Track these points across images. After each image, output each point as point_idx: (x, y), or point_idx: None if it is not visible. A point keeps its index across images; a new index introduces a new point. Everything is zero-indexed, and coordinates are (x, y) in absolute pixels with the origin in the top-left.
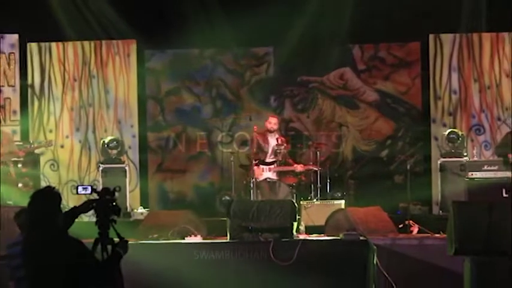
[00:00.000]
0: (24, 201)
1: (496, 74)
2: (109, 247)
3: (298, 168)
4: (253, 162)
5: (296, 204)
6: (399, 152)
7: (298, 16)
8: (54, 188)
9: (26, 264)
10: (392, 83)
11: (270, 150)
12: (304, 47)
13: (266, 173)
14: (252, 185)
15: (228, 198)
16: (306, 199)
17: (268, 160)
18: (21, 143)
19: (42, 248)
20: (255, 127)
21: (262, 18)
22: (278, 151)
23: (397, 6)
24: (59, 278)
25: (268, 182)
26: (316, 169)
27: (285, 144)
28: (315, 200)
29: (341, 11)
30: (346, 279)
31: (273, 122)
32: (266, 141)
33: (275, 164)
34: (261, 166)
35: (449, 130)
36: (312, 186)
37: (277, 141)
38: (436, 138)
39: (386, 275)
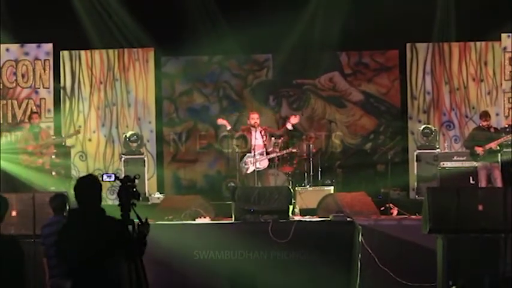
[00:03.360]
0: (57, 187)
1: (464, 78)
2: (130, 227)
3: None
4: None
5: (292, 190)
6: (381, 144)
7: (293, 27)
8: (95, 176)
9: (67, 239)
10: (375, 85)
11: (256, 143)
12: (299, 54)
13: (257, 164)
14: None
15: (233, 184)
16: (300, 185)
17: (257, 152)
18: (54, 137)
19: (87, 225)
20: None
21: (262, 30)
22: (276, 143)
23: (378, 18)
24: (99, 251)
25: (260, 171)
26: (295, 151)
27: (283, 137)
28: (308, 186)
29: (330, 23)
30: (335, 254)
31: (254, 118)
32: (251, 136)
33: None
34: (249, 158)
35: (423, 126)
36: (305, 174)
37: (261, 133)
38: (413, 133)
39: (370, 251)
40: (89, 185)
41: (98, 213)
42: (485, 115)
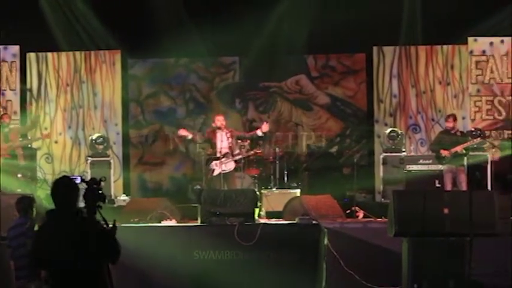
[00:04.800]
0: (23, 189)
1: (430, 81)
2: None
3: (249, 154)
4: (212, 157)
5: (258, 193)
6: (347, 147)
7: (260, 30)
8: (71, 177)
9: (44, 241)
10: (341, 88)
11: (221, 146)
12: (266, 57)
13: (223, 167)
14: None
15: (198, 187)
16: (266, 188)
17: (222, 154)
18: (20, 139)
19: (64, 226)
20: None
21: (229, 32)
22: (242, 146)
23: (345, 22)
24: (76, 252)
25: (226, 173)
26: (260, 152)
27: (248, 141)
28: (274, 189)
29: (297, 26)
30: (300, 257)
31: (220, 120)
32: (216, 138)
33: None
34: (215, 161)
35: (390, 129)
36: (272, 177)
37: (226, 136)
38: (379, 136)
39: (335, 254)
40: (66, 186)
41: (74, 214)
42: (449, 117)
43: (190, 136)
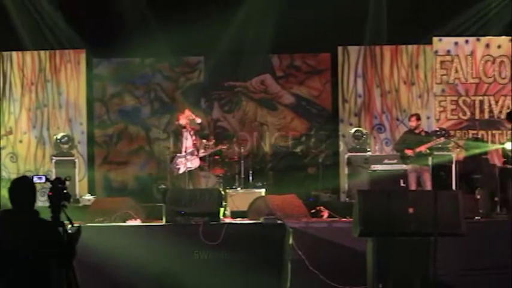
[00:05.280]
0: None
1: (395, 81)
2: (60, 229)
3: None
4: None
5: (222, 192)
6: (312, 147)
7: (225, 30)
8: (30, 177)
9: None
10: (306, 88)
11: (186, 144)
12: (231, 57)
13: (188, 164)
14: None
15: (163, 186)
16: (231, 188)
17: (187, 152)
18: None
19: (20, 226)
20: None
21: (194, 32)
22: (207, 145)
23: (310, 21)
24: (31, 252)
25: (191, 171)
26: (224, 147)
27: (213, 140)
28: (239, 188)
29: (262, 25)
30: (265, 257)
31: (185, 118)
32: (181, 136)
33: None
34: (180, 159)
35: (355, 129)
36: (237, 176)
37: (190, 133)
38: (344, 136)
39: (300, 254)
40: (23, 187)
41: (31, 215)
42: (412, 116)
43: (199, 120)
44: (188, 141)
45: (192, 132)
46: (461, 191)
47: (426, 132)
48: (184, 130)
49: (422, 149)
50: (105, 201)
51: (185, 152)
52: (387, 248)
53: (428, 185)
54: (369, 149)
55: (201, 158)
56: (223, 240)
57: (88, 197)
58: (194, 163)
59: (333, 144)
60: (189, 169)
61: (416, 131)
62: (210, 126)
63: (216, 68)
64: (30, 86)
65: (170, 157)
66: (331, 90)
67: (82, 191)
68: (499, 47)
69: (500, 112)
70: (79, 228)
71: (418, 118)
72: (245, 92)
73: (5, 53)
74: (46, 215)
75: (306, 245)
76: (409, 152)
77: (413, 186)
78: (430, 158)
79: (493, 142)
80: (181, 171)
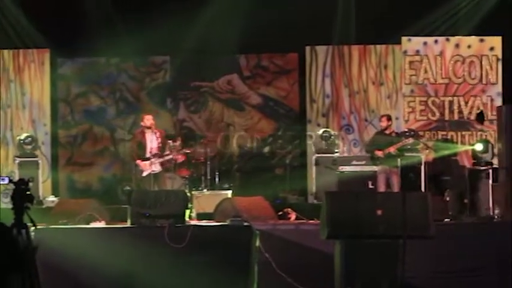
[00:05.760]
0: None
1: (364, 81)
2: (23, 231)
3: (179, 157)
4: (138, 158)
5: (188, 194)
6: (279, 148)
7: (191, 29)
8: None
9: None
10: (274, 88)
11: (151, 146)
12: (197, 56)
13: (152, 167)
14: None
15: (128, 188)
16: (197, 189)
17: (153, 154)
18: None
19: None
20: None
21: (159, 31)
22: (172, 146)
23: (278, 21)
24: None
25: (155, 174)
26: (188, 152)
27: (179, 142)
28: (205, 190)
29: (229, 25)
30: (232, 259)
31: (149, 119)
32: (145, 138)
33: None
34: (145, 161)
35: (322, 129)
36: (203, 178)
37: (155, 135)
38: (312, 137)
39: (267, 256)
40: None
41: None
42: (383, 116)
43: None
44: (153, 143)
45: (158, 134)
46: (430, 192)
47: (397, 133)
48: (148, 131)
49: (391, 149)
50: (69, 203)
51: (150, 153)
52: (355, 251)
53: (396, 187)
54: (337, 150)
55: (165, 161)
56: (189, 243)
57: (52, 198)
58: (159, 166)
59: (300, 145)
60: (153, 172)
61: (387, 132)
62: (176, 127)
63: (182, 67)
64: None
65: (135, 159)
66: (299, 90)
67: (45, 193)
68: (468, 47)
69: (470, 113)
70: (36, 246)
71: (389, 119)
72: (211, 92)
73: None
74: (9, 217)
75: (273, 248)
76: (378, 153)
77: (382, 188)
78: (398, 160)
79: (462, 143)
80: (145, 174)
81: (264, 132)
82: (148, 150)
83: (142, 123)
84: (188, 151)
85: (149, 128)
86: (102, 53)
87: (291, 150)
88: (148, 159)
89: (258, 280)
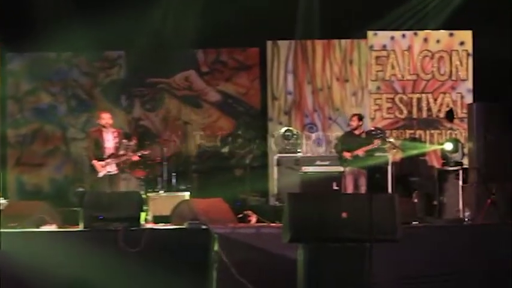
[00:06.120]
0: None
1: (328, 78)
2: None
3: (134, 157)
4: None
5: (143, 196)
6: (239, 147)
7: (147, 22)
8: None
9: None
10: (233, 85)
11: (107, 145)
12: (153, 51)
13: (108, 168)
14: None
15: (81, 189)
16: (153, 191)
17: (109, 154)
18: None
19: None
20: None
21: (114, 25)
22: (128, 146)
23: (238, 14)
24: None
25: (111, 175)
26: (145, 153)
27: (135, 141)
28: (161, 191)
29: (186, 19)
30: (190, 264)
31: (106, 118)
32: (102, 137)
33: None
34: (100, 162)
35: (285, 128)
36: (159, 179)
37: (113, 135)
38: (273, 136)
39: (226, 261)
40: None
41: None
42: (353, 116)
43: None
44: (109, 143)
45: (115, 134)
46: (397, 194)
47: (367, 133)
48: (105, 130)
49: (359, 152)
50: (19, 206)
51: (106, 154)
52: (319, 255)
53: (363, 189)
54: (299, 150)
55: (121, 163)
56: (145, 247)
57: (0, 201)
58: (114, 167)
59: (261, 144)
60: (109, 173)
61: (357, 132)
62: (131, 126)
63: (137, 63)
64: None
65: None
66: (260, 87)
67: None
68: (437, 41)
69: (439, 111)
70: None
71: (360, 118)
72: (168, 88)
73: None
74: None
75: (232, 252)
76: (347, 155)
77: (350, 190)
78: (366, 161)
79: (431, 142)
80: (100, 175)
81: (223, 130)
82: (104, 150)
83: (98, 122)
84: (145, 152)
85: (105, 126)
86: (53, 47)
87: (252, 149)
88: (104, 159)
89: (216, 286)
